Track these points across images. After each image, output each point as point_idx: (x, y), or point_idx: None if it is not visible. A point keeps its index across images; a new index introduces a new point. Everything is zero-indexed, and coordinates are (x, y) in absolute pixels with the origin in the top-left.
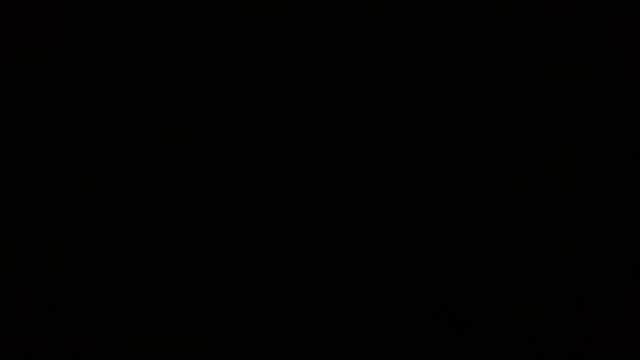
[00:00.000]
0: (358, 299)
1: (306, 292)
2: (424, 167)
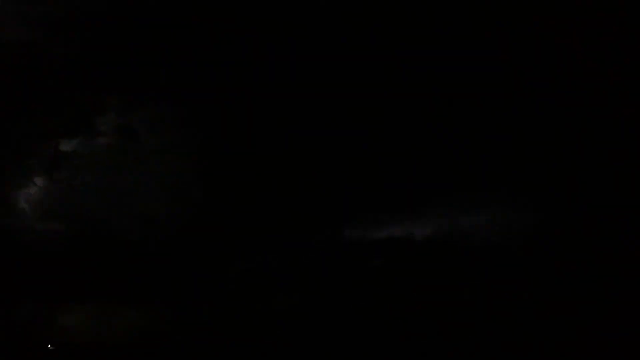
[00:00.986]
0: (358, 299)
1: (306, 291)
2: (423, 167)
